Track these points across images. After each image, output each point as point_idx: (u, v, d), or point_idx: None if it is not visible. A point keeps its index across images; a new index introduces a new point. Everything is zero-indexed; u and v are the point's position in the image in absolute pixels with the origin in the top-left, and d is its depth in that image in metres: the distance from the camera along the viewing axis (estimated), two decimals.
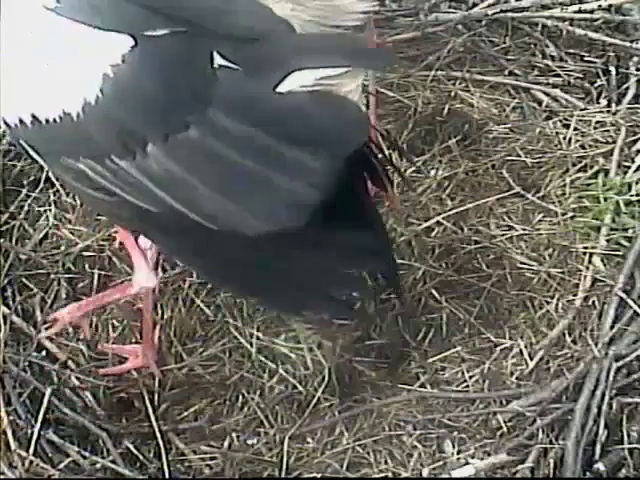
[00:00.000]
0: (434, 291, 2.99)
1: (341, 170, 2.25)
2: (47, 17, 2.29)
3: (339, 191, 2.28)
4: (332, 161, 2.24)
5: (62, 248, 3.12)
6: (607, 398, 2.73)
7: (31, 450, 2.69)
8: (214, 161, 2.27)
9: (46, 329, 2.87)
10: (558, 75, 3.56)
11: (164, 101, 2.27)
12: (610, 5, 3.68)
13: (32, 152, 2.42)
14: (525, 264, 3.05)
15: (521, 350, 2.89)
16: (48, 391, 2.77)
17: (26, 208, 3.21)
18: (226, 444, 2.80)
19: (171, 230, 2.37)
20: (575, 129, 3.38)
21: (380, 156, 2.48)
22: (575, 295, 2.99)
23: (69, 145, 2.36)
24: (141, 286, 2.62)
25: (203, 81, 2.27)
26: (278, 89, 2.27)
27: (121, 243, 2.97)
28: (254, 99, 2.28)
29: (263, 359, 2.89)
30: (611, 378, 2.77)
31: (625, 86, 3.52)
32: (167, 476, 2.71)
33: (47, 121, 2.32)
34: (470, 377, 2.86)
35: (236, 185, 2.27)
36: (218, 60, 2.28)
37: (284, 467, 2.74)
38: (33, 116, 2.33)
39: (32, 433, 2.71)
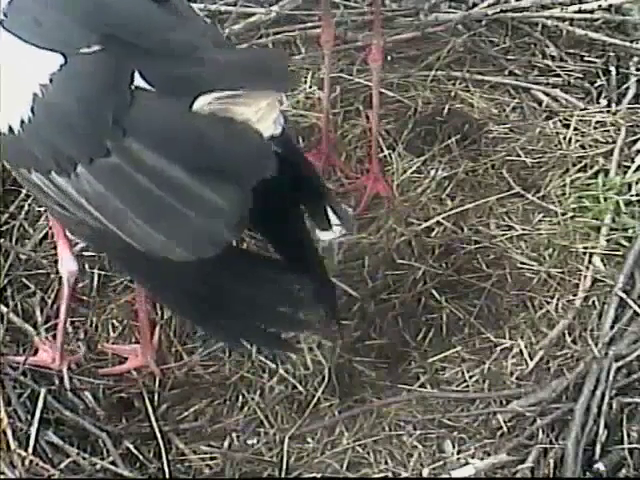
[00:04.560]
0: (434, 291, 2.99)
1: (249, 205, 2.22)
2: None
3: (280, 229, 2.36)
4: (238, 198, 2.23)
5: None
6: (607, 398, 2.73)
7: (30, 450, 2.69)
8: (135, 189, 2.26)
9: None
10: (558, 75, 3.57)
11: (86, 124, 2.27)
12: (610, 5, 3.69)
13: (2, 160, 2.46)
14: (525, 264, 3.05)
15: (521, 350, 2.89)
16: (43, 391, 2.77)
17: (26, 208, 3.21)
18: (226, 444, 2.79)
19: (122, 250, 2.35)
20: (575, 129, 3.38)
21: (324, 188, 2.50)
22: (575, 295, 2.99)
23: (19, 158, 2.38)
24: (67, 271, 2.68)
25: (121, 104, 2.25)
26: (187, 112, 2.24)
27: None
28: (164, 128, 2.26)
29: (263, 359, 2.89)
30: (611, 378, 2.77)
31: (625, 86, 3.52)
32: (167, 476, 2.71)
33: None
34: (470, 377, 2.86)
35: (156, 214, 2.26)
36: (137, 80, 2.26)
37: (284, 467, 2.73)
38: None
39: (32, 433, 2.72)
